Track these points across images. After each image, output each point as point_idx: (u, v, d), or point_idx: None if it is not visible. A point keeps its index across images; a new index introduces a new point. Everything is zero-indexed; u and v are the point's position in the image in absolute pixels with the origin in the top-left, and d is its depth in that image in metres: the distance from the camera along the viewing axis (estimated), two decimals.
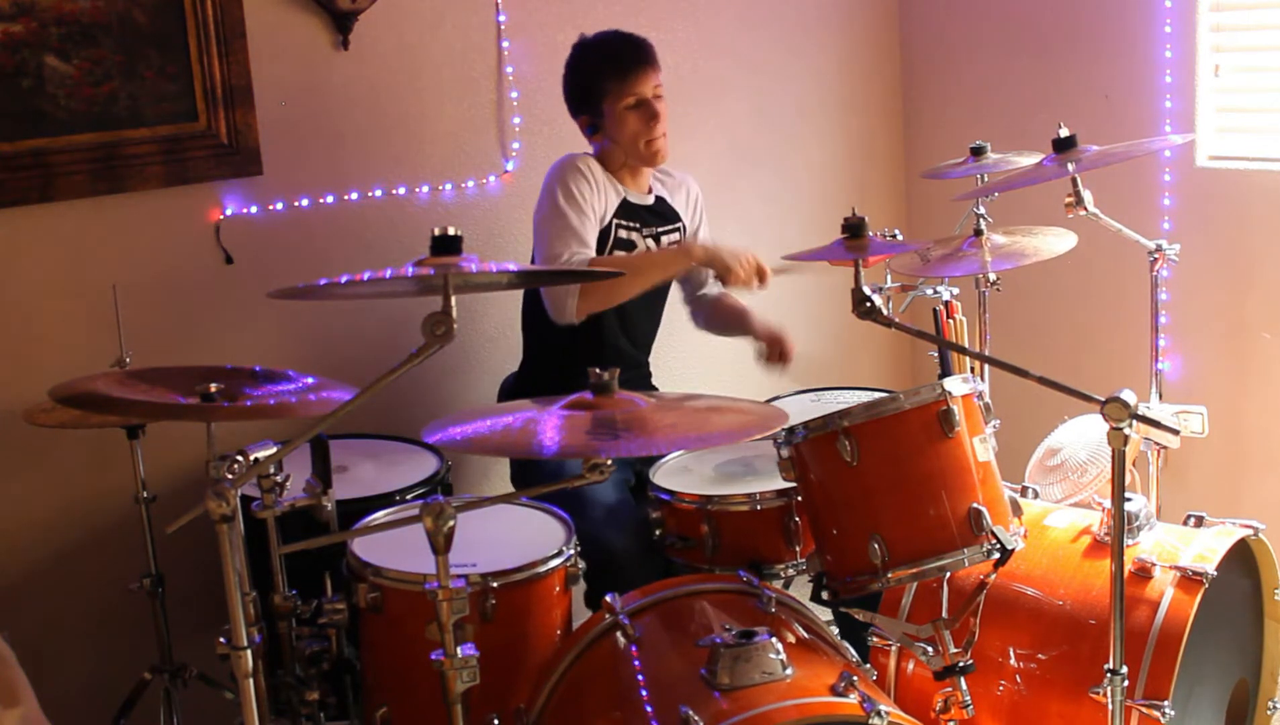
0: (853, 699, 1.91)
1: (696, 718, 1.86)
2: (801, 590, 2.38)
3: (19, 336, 2.80)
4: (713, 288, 3.19)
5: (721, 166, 3.71)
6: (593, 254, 2.85)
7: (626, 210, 2.96)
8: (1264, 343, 3.34)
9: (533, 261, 2.97)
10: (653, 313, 3.12)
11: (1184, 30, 3.35)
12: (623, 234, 2.95)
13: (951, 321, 2.86)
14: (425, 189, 3.28)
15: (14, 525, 2.84)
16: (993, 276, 2.85)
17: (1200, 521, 2.52)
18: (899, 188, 4.16)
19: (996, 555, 2.16)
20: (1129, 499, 2.42)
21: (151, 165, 2.89)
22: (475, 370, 3.38)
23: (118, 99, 2.84)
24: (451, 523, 1.78)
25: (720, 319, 3.20)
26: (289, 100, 3.05)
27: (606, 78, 2.91)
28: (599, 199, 2.90)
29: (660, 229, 3.03)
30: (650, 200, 3.05)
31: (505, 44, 3.35)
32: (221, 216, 3.01)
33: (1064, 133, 2.69)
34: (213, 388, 2.16)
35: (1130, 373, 3.13)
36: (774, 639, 1.99)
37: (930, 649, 2.25)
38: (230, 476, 1.75)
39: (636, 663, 2.08)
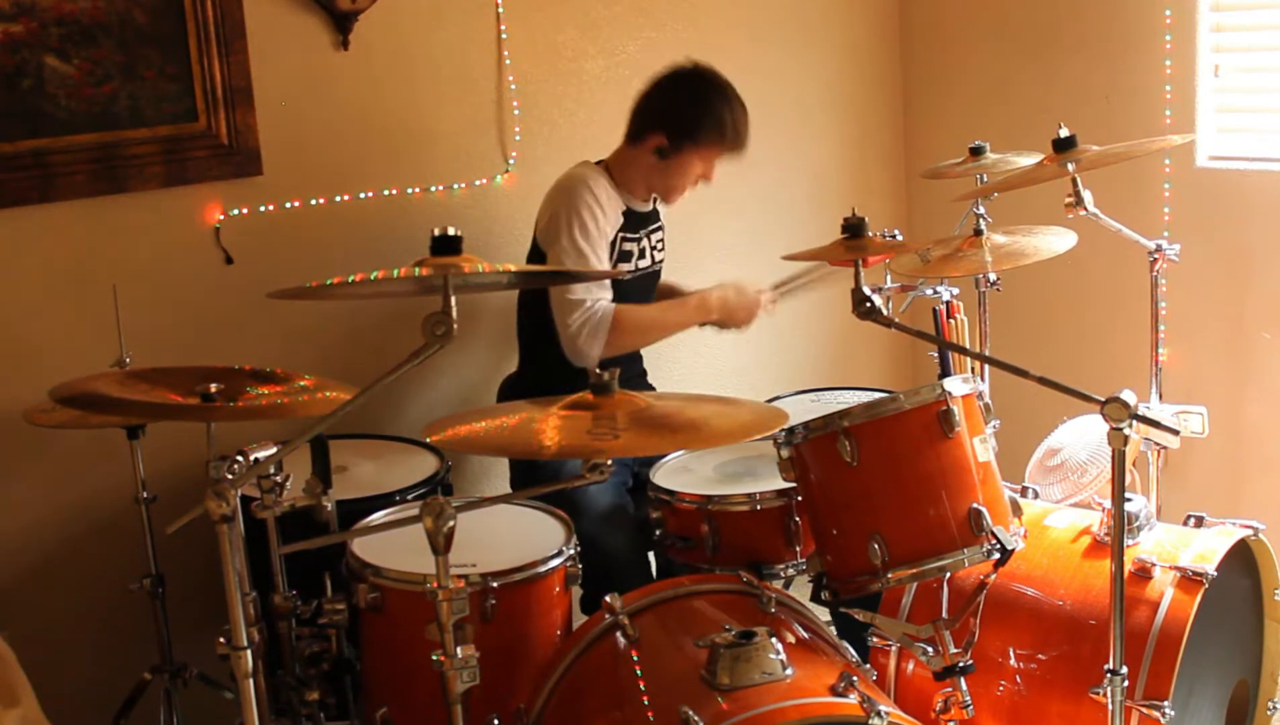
0: (853, 699, 1.91)
1: (696, 718, 1.86)
2: (801, 590, 2.38)
3: (19, 336, 2.80)
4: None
5: (721, 167, 3.71)
6: (609, 298, 2.86)
7: (629, 221, 2.98)
8: (1264, 343, 3.34)
9: (536, 259, 2.97)
10: None
11: (1184, 30, 3.35)
12: (626, 246, 2.98)
13: (951, 321, 2.87)
14: (425, 189, 3.28)
15: (14, 525, 2.84)
16: (993, 276, 2.86)
17: (1200, 521, 2.52)
18: (899, 188, 4.16)
19: (996, 555, 2.16)
20: (1129, 499, 2.42)
21: (151, 165, 2.89)
22: (475, 370, 3.38)
23: (118, 99, 2.84)
24: (451, 523, 1.78)
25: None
26: (289, 100, 3.05)
27: (717, 141, 2.92)
28: (608, 221, 2.91)
29: (649, 229, 3.07)
30: (649, 207, 3.09)
31: (505, 44, 3.34)
32: (221, 216, 3.01)
33: (1064, 133, 2.69)
34: (213, 388, 2.16)
35: (1130, 373, 3.13)
36: (774, 639, 1.99)
37: (930, 649, 2.25)
38: (230, 476, 1.76)
39: (636, 663, 2.08)
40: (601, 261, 2.87)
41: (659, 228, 3.12)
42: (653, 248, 3.08)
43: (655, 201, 3.09)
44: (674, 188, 2.98)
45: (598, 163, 3.03)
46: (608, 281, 2.88)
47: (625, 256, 2.97)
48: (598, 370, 1.93)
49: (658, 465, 2.75)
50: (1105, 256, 3.40)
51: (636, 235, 3.01)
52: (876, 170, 4.11)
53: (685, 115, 2.92)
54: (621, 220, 2.96)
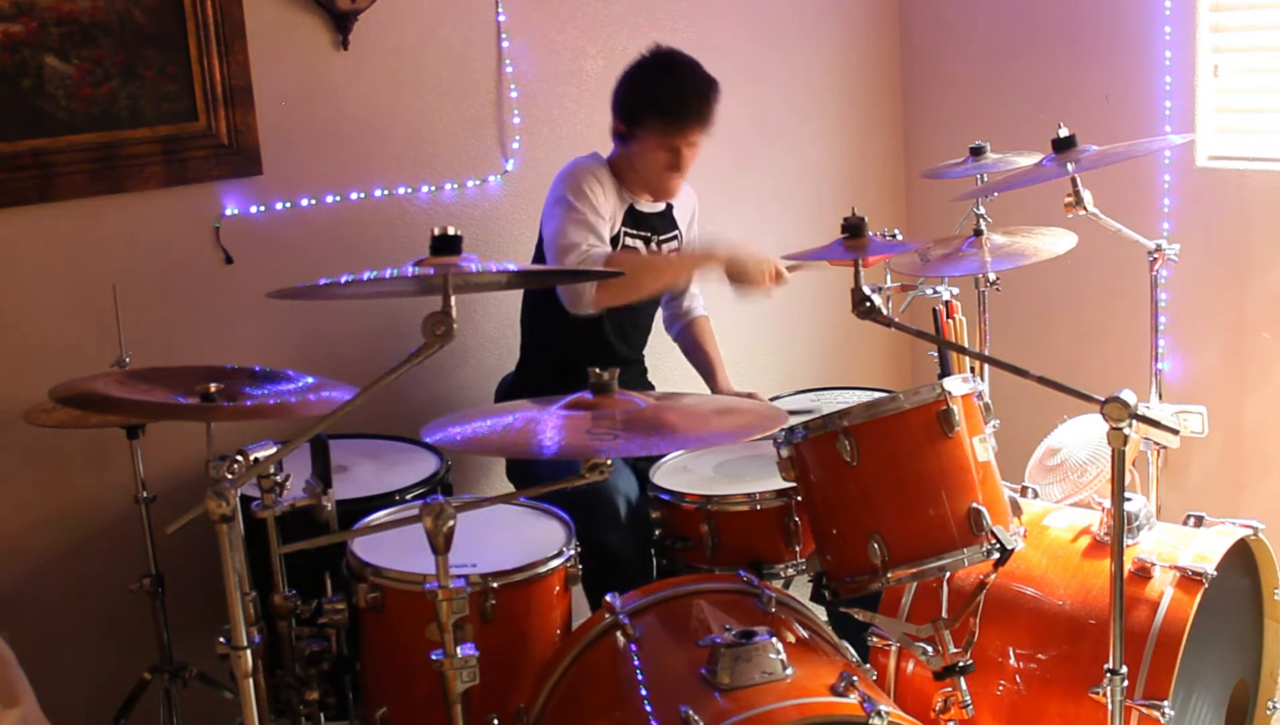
0: (853, 699, 1.91)
1: (696, 717, 1.86)
2: (801, 590, 2.38)
3: (19, 336, 2.80)
4: (693, 302, 3.19)
5: (722, 167, 3.71)
6: (608, 249, 2.82)
7: (633, 218, 2.96)
8: (1264, 343, 3.34)
9: (542, 258, 2.95)
10: (647, 314, 3.13)
11: (1184, 30, 3.35)
12: (629, 241, 2.95)
13: (951, 321, 2.86)
14: (425, 189, 3.28)
15: (14, 525, 2.84)
16: (993, 276, 2.86)
17: (1200, 521, 2.52)
18: (899, 188, 4.16)
19: (996, 555, 2.16)
20: (1129, 499, 2.42)
21: (151, 165, 2.89)
22: (475, 370, 3.38)
23: (118, 99, 2.84)
24: (451, 523, 1.78)
25: (692, 353, 3.21)
26: (289, 100, 3.05)
27: (658, 117, 2.85)
28: (606, 202, 2.88)
29: (662, 237, 3.04)
30: (660, 206, 3.04)
31: (505, 44, 3.35)
32: (221, 216, 3.01)
33: (1064, 133, 2.69)
34: (213, 388, 2.16)
35: (1130, 373, 3.13)
36: (774, 639, 1.99)
37: (930, 649, 2.25)
38: (230, 476, 1.75)
39: (636, 663, 2.08)
40: (597, 222, 2.81)
41: (674, 238, 3.08)
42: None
43: (671, 206, 3.07)
44: (648, 176, 2.91)
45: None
46: (605, 234, 2.84)
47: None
48: (598, 370, 1.93)
49: (657, 465, 2.75)
50: (1105, 256, 3.40)
51: (643, 234, 2.98)
52: (876, 170, 4.11)
53: (630, 98, 2.90)
54: (624, 212, 2.94)
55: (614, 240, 2.90)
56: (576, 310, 2.78)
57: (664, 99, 2.86)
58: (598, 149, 3.04)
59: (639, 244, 2.96)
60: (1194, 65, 3.35)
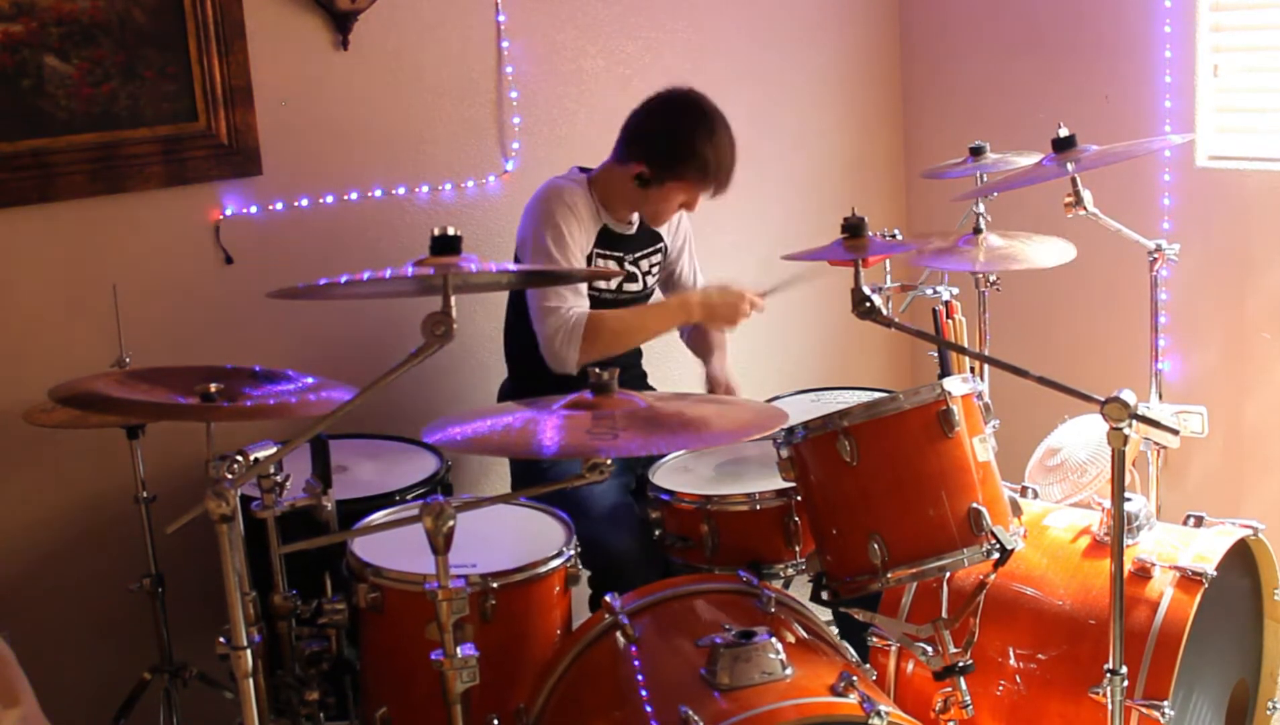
0: (852, 699, 1.91)
1: (696, 718, 1.86)
2: (801, 590, 2.38)
3: (19, 336, 2.80)
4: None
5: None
6: (587, 306, 2.85)
7: (606, 239, 2.96)
8: (1264, 343, 3.34)
9: (525, 301, 2.92)
10: None
11: (1184, 30, 3.35)
12: (600, 262, 2.94)
13: (951, 321, 2.86)
14: (425, 189, 3.28)
15: (14, 525, 2.84)
16: (993, 276, 2.85)
17: (1200, 521, 2.52)
18: (899, 188, 4.16)
19: (996, 555, 2.16)
20: (1129, 499, 2.42)
21: (151, 165, 2.89)
22: (475, 370, 3.37)
23: (118, 99, 2.84)
24: (451, 523, 1.78)
25: (695, 342, 3.24)
26: (289, 100, 3.05)
27: (694, 175, 2.86)
28: (583, 233, 2.88)
29: (639, 254, 3.03)
30: (632, 230, 3.02)
31: (505, 44, 3.35)
32: (221, 216, 3.01)
33: (1064, 133, 2.69)
34: (213, 388, 2.17)
35: (1130, 373, 3.13)
36: (774, 639, 1.99)
37: (930, 649, 2.25)
38: (230, 476, 1.75)
39: (636, 663, 2.08)
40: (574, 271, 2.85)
41: (656, 251, 3.07)
42: (645, 273, 3.05)
43: (645, 225, 3.05)
44: (657, 214, 2.94)
45: (584, 171, 3.01)
46: (583, 289, 2.87)
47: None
48: (598, 370, 1.93)
49: (657, 465, 2.75)
50: (1105, 256, 3.40)
51: (616, 254, 2.97)
52: (876, 170, 4.11)
53: (668, 148, 2.86)
54: (597, 233, 2.93)
55: (587, 259, 2.90)
56: (559, 370, 2.80)
57: (708, 164, 2.86)
58: (598, 151, 3.04)
59: (611, 264, 2.96)
60: (1194, 65, 3.35)
